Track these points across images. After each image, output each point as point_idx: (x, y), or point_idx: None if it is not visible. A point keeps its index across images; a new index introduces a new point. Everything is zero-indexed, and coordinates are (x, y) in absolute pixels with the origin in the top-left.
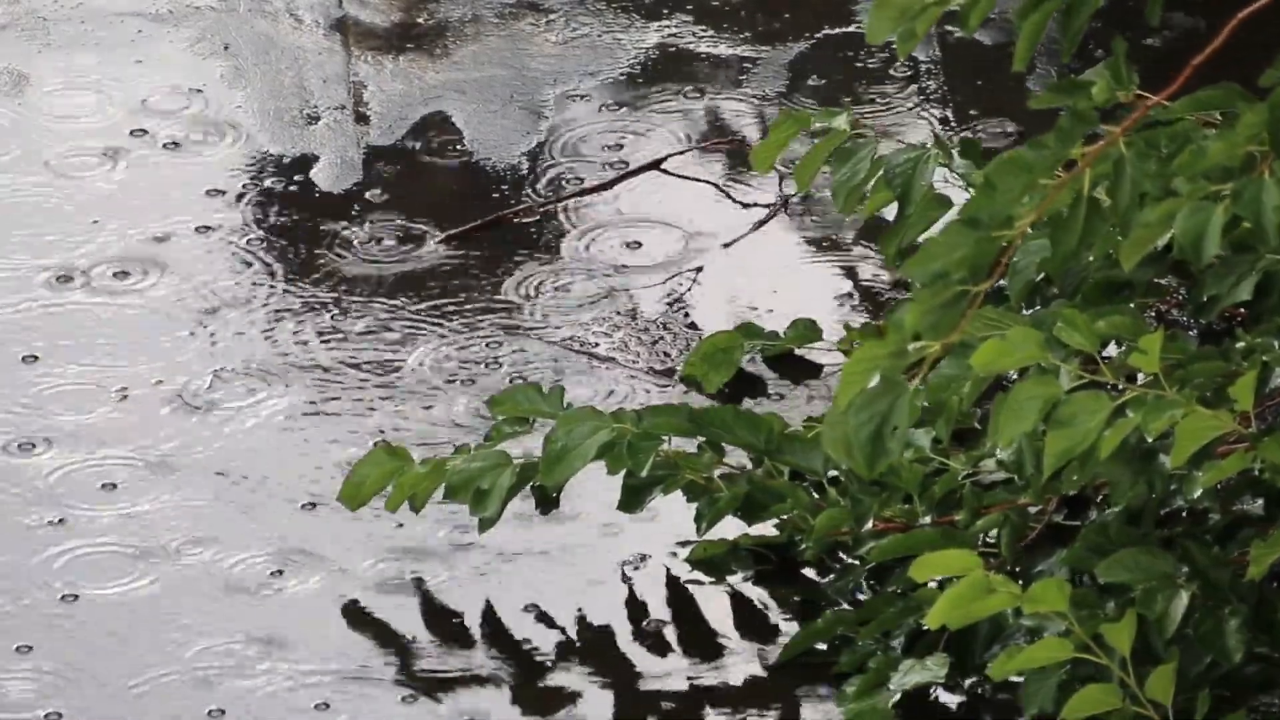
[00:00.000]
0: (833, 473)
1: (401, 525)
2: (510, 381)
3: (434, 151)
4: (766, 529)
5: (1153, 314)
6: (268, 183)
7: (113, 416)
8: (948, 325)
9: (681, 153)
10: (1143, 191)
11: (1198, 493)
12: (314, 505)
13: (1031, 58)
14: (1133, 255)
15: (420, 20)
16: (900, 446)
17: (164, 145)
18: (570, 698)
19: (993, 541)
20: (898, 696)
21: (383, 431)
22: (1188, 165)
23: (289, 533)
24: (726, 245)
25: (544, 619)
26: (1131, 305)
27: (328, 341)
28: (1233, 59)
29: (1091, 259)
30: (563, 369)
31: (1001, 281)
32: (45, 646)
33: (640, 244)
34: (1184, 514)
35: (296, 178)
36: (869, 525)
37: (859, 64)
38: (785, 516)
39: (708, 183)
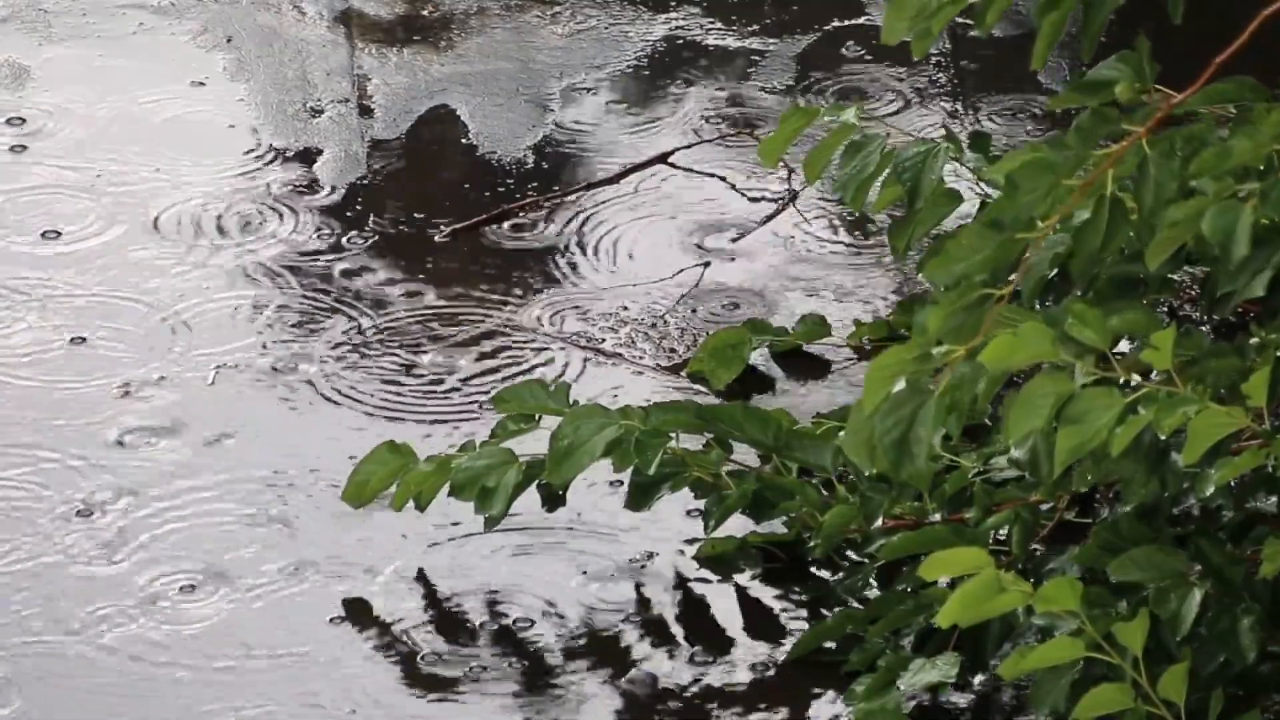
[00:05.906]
0: (841, 469)
1: (404, 521)
2: (515, 378)
3: (438, 145)
4: (775, 526)
5: (1166, 310)
6: (271, 177)
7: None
8: (971, 329)
9: (689, 146)
10: (1166, 192)
11: (1211, 490)
12: (316, 500)
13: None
14: (1159, 255)
15: (424, 12)
16: (926, 454)
17: (164, 143)
18: (577, 696)
19: (1004, 539)
20: (908, 696)
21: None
22: (1212, 164)
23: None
24: (734, 239)
25: (550, 617)
26: (1144, 301)
27: (331, 339)
28: (1254, 56)
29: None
30: (567, 366)
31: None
32: None
33: (646, 239)
34: (1197, 512)
35: (300, 171)
36: (879, 523)
37: (869, 57)
38: (794, 514)
39: (715, 176)
